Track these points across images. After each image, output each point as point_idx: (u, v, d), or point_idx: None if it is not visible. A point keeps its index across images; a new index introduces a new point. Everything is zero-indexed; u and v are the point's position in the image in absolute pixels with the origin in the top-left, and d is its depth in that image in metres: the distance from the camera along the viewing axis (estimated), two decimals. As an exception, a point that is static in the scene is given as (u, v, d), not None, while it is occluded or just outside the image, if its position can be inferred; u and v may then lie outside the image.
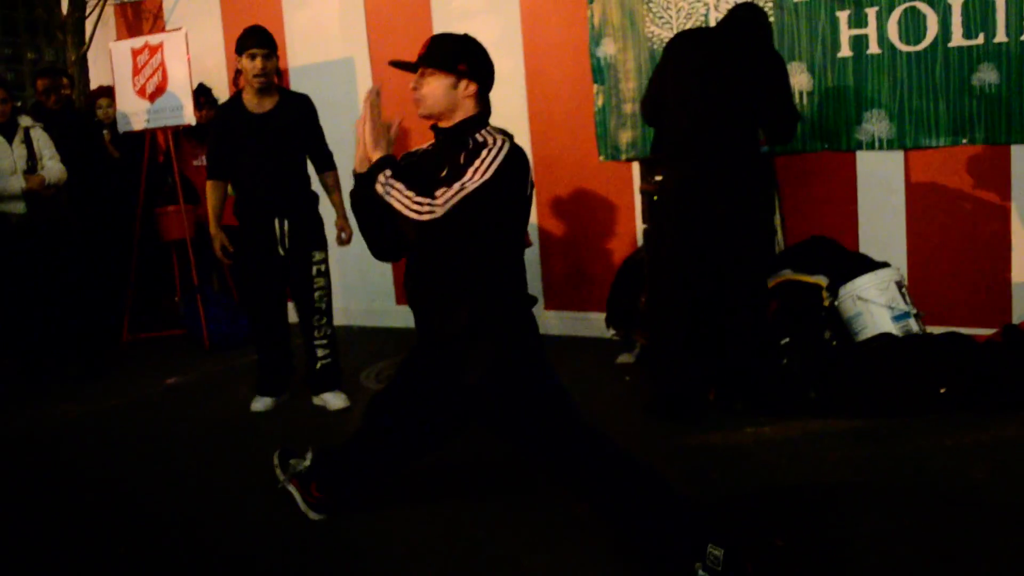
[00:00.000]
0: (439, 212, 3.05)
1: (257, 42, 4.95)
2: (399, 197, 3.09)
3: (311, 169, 5.33)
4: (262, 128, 5.01)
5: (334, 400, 5.31)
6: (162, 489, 4.38)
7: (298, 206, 5.13)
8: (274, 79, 5.09)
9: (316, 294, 5.21)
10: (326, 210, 5.29)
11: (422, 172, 3.27)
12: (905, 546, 3.31)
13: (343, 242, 5.26)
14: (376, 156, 3.17)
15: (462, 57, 3.29)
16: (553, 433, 3.25)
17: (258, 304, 5.28)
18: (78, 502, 4.29)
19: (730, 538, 2.98)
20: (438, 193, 3.06)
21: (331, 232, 5.28)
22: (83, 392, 6.14)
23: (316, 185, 5.33)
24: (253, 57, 4.93)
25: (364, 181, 3.21)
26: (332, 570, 3.46)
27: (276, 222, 5.06)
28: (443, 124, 3.33)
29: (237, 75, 5.04)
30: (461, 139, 3.26)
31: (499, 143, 3.17)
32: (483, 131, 3.28)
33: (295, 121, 5.11)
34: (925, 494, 3.73)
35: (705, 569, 2.88)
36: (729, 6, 5.60)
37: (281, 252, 5.10)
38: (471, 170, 3.09)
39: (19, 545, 3.86)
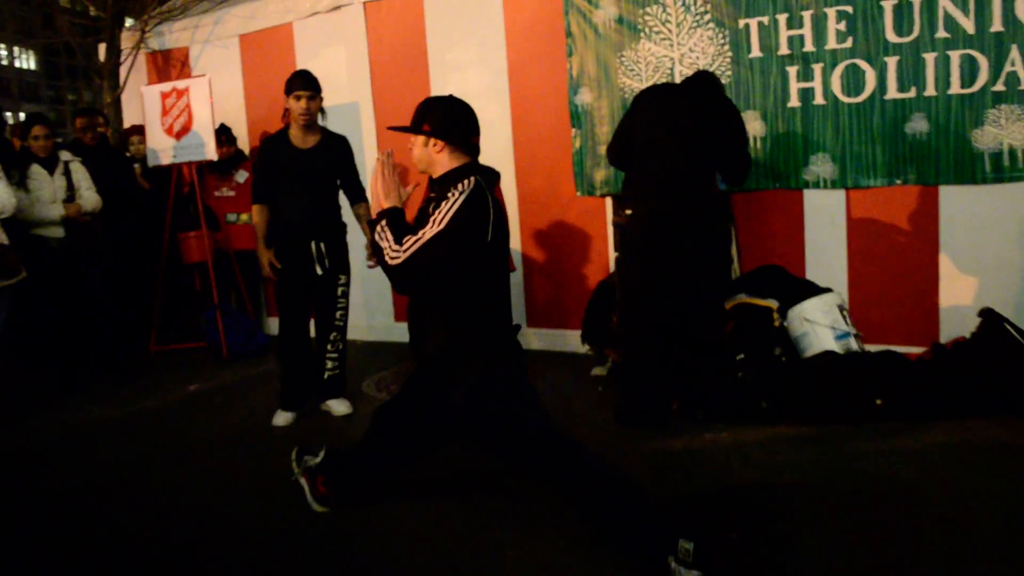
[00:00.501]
0: (401, 258, 3.25)
1: (303, 85, 4.95)
2: (385, 244, 3.30)
3: (342, 199, 5.33)
4: (306, 162, 5.02)
5: (338, 406, 5.32)
6: (184, 483, 4.39)
7: (331, 232, 5.13)
8: (317, 117, 5.07)
9: (338, 313, 5.23)
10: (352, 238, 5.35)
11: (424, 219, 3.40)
12: (844, 538, 3.35)
13: (371, 266, 5.08)
14: (386, 206, 3.36)
15: (424, 119, 3.47)
16: (530, 445, 3.30)
17: (292, 320, 5.22)
18: (109, 494, 4.29)
19: (698, 532, 2.99)
20: (404, 240, 3.26)
21: (361, 253, 5.34)
22: (115, 397, 6.14)
23: (346, 215, 5.34)
24: (299, 98, 4.93)
25: (372, 227, 3.41)
26: (333, 558, 3.47)
27: (313, 244, 5.05)
28: (435, 176, 3.47)
29: (285, 113, 5.03)
30: (447, 189, 3.37)
31: (459, 194, 3.28)
32: (465, 180, 3.35)
33: (334, 157, 5.13)
34: (862, 493, 3.76)
35: (677, 562, 2.89)
36: (692, 61, 5.71)
37: (319, 271, 5.09)
38: (431, 220, 3.25)
39: (56, 533, 3.87)
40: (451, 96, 3.55)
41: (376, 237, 3.32)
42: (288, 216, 5.03)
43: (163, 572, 3.45)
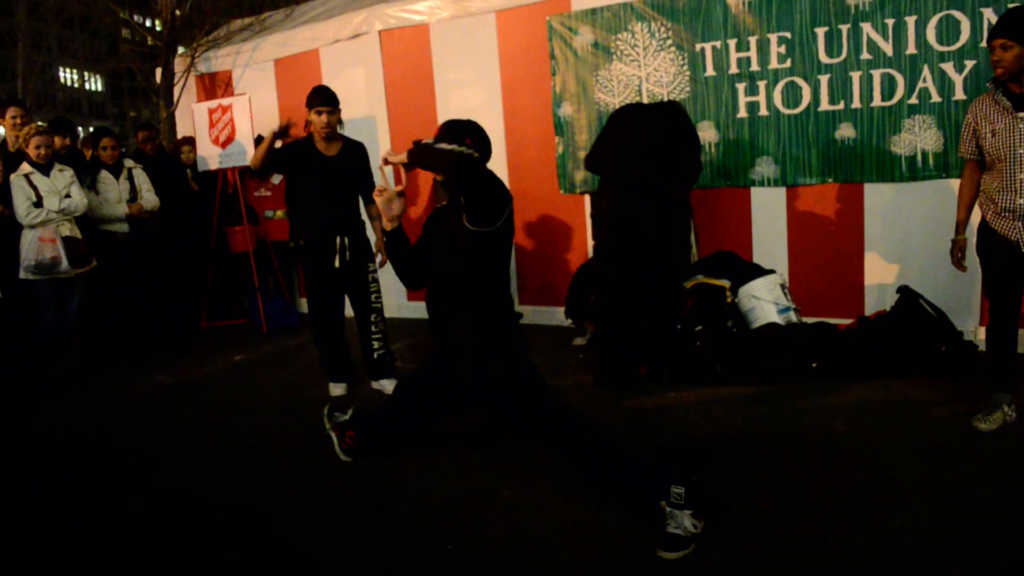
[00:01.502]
0: (476, 154, 3.16)
1: (323, 101, 4.80)
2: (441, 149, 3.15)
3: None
4: (331, 167, 4.87)
5: (390, 385, 5.02)
6: (231, 438, 4.40)
7: (354, 227, 4.97)
8: (336, 128, 4.90)
9: (372, 296, 5.02)
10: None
11: (438, 218, 3.36)
12: (786, 479, 3.37)
13: (382, 263, 5.05)
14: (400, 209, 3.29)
15: (463, 135, 3.32)
16: (533, 412, 3.24)
17: (323, 307, 5.01)
18: (169, 448, 4.30)
19: (687, 477, 2.94)
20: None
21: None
22: (172, 366, 6.12)
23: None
24: (320, 113, 4.78)
25: (396, 235, 3.35)
26: (357, 495, 3.48)
27: (338, 239, 4.87)
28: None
29: (307, 124, 4.91)
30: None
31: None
32: None
33: (354, 162, 4.97)
34: (801, 441, 3.78)
35: (671, 505, 2.82)
36: (657, 79, 5.69)
37: (337, 264, 4.86)
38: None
39: (123, 480, 3.88)
40: (470, 120, 3.46)
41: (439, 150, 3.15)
42: (317, 214, 4.87)
43: (214, 512, 3.45)
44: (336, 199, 4.89)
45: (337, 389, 5.08)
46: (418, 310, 6.05)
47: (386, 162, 3.41)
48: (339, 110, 4.89)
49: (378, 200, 3.37)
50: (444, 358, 3.48)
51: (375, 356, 5.06)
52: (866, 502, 3.10)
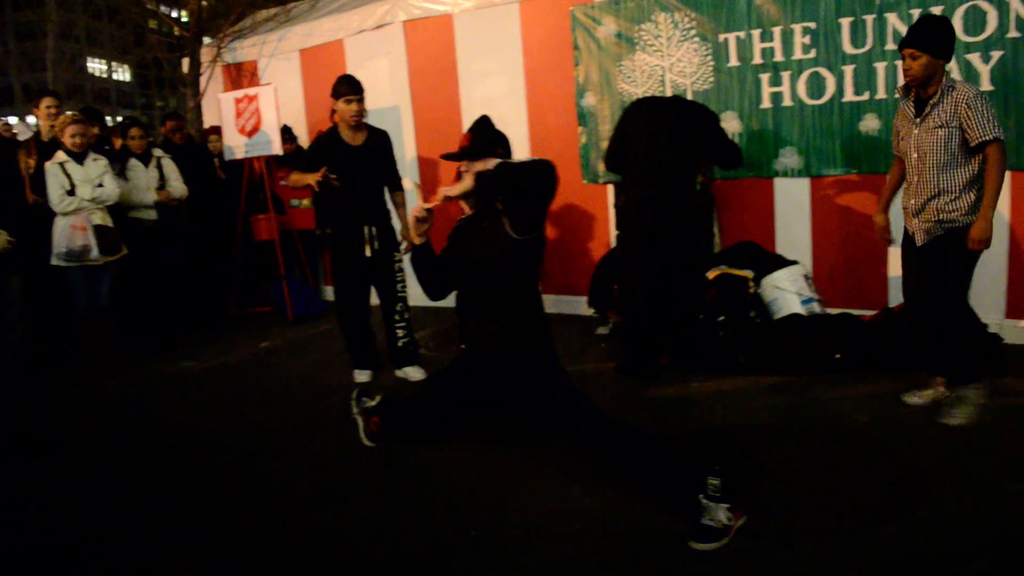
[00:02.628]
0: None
1: (352, 89, 4.76)
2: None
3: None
4: (358, 157, 4.83)
5: (414, 373, 5.05)
6: (256, 422, 4.44)
7: (381, 216, 4.95)
8: (363, 116, 4.89)
9: (398, 285, 5.01)
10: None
11: (470, 225, 3.34)
12: (808, 469, 3.35)
13: (405, 251, 5.03)
14: (469, 182, 3.17)
15: (494, 143, 3.38)
16: (566, 414, 3.21)
17: (350, 296, 5.00)
18: (196, 431, 4.34)
19: (723, 469, 2.90)
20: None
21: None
22: (200, 352, 6.17)
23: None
24: (349, 102, 4.74)
25: (424, 248, 3.37)
26: (381, 479, 3.50)
27: (366, 228, 4.85)
28: None
29: (332, 113, 4.87)
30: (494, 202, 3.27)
31: None
32: None
33: (379, 151, 4.95)
34: (823, 431, 3.76)
35: (707, 497, 2.79)
36: (680, 69, 5.64)
37: (368, 253, 4.86)
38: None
39: (151, 461, 3.91)
40: (490, 124, 3.46)
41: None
42: (344, 204, 4.83)
43: (238, 495, 3.47)
44: (363, 188, 4.86)
45: (362, 376, 5.09)
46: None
47: (414, 185, 3.49)
48: (364, 99, 4.86)
49: (409, 217, 3.36)
50: (475, 358, 3.47)
51: (399, 344, 5.06)
52: (891, 493, 3.07)
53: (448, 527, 3.05)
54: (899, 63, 4.88)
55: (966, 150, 3.57)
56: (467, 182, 3.16)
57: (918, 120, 3.67)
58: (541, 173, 3.14)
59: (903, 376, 4.39)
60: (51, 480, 3.80)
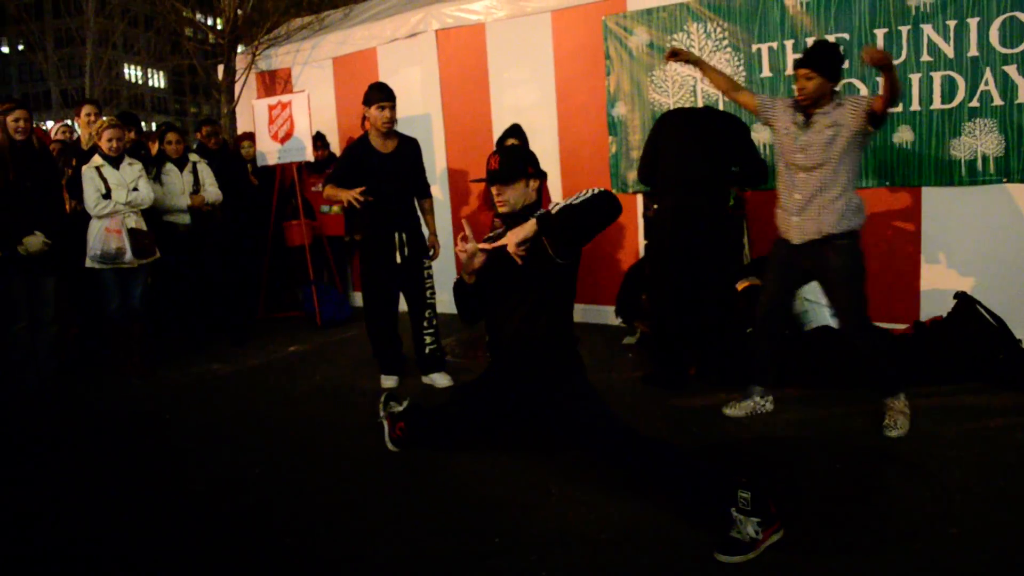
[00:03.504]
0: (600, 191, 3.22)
1: (385, 96, 4.79)
2: (577, 202, 3.17)
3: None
4: (389, 164, 4.87)
5: (440, 379, 5.06)
6: (284, 425, 4.47)
7: (411, 223, 4.98)
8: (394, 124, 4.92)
9: (428, 292, 5.04)
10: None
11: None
12: (836, 485, 3.33)
13: (432, 257, 5.10)
14: (532, 226, 3.18)
15: (526, 162, 3.40)
16: (594, 429, 3.21)
17: (379, 302, 5.04)
18: (225, 434, 4.39)
19: (752, 483, 2.89)
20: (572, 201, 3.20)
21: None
22: (229, 355, 6.26)
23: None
24: (382, 108, 4.77)
25: (465, 286, 3.40)
26: (406, 484, 3.51)
27: (396, 235, 4.89)
28: (517, 209, 3.38)
29: (363, 120, 4.91)
30: (525, 218, 3.31)
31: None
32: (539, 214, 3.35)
33: (409, 158, 4.98)
34: (852, 446, 3.72)
35: (739, 511, 2.77)
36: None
37: (399, 259, 4.89)
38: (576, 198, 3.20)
39: (180, 463, 3.97)
40: (516, 143, 3.51)
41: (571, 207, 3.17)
42: (376, 211, 4.84)
43: (264, 497, 3.51)
44: (393, 195, 4.89)
45: (389, 381, 5.12)
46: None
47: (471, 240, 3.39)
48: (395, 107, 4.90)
49: (461, 254, 3.35)
50: (505, 373, 3.50)
51: (427, 351, 5.09)
52: (919, 510, 3.04)
53: (471, 533, 3.06)
54: (936, 74, 4.90)
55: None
56: (529, 228, 3.16)
57: (803, 129, 3.87)
58: (606, 212, 3.18)
59: (934, 391, 4.36)
60: (77, 479, 3.86)
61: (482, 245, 3.33)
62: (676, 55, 4.12)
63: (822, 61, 3.78)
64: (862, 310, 3.92)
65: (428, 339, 5.08)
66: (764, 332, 4.18)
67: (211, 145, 7.22)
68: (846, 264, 3.88)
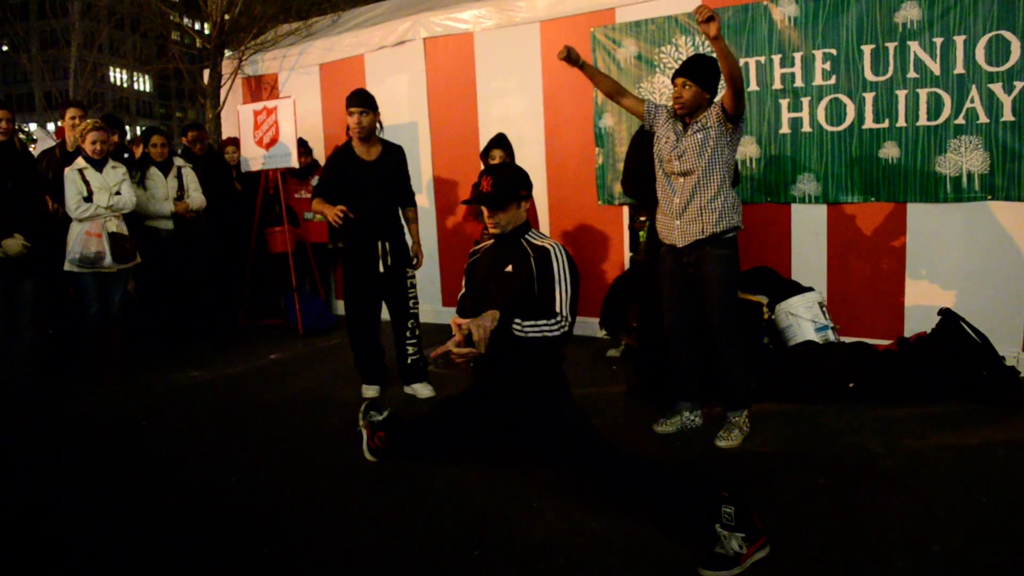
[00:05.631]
0: (566, 321, 3.24)
1: (355, 102, 4.78)
2: (539, 330, 3.19)
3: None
4: (372, 172, 4.85)
5: (423, 390, 5.04)
6: (264, 434, 4.44)
7: (394, 232, 4.95)
8: (375, 129, 4.88)
9: (411, 302, 4.99)
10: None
11: (490, 265, 3.40)
12: (820, 499, 3.32)
13: (415, 266, 5.06)
14: (495, 316, 3.17)
15: (518, 185, 3.43)
16: (576, 448, 3.19)
17: (361, 312, 5.00)
18: (203, 443, 4.35)
19: (736, 497, 2.88)
20: (556, 309, 3.24)
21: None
22: (210, 362, 6.20)
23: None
24: (352, 114, 4.77)
25: (509, 339, 3.22)
26: (383, 496, 3.48)
27: (379, 244, 4.85)
28: (507, 231, 3.43)
29: (348, 128, 4.90)
30: (516, 241, 3.40)
31: (561, 254, 3.32)
32: (530, 234, 3.43)
33: (393, 166, 4.94)
34: (836, 461, 3.72)
35: (723, 527, 2.76)
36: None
37: (381, 268, 4.86)
38: (556, 276, 3.28)
39: (158, 472, 3.92)
40: (508, 162, 3.52)
41: (522, 335, 3.17)
42: (358, 219, 4.79)
43: (239, 509, 3.47)
44: (376, 203, 4.87)
45: (370, 391, 5.09)
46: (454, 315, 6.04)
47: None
48: (376, 113, 4.87)
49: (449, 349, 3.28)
50: (488, 389, 3.48)
51: (409, 361, 5.06)
52: (902, 527, 3.03)
53: (451, 546, 3.03)
54: (922, 91, 4.94)
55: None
56: (489, 324, 3.16)
57: (684, 135, 3.98)
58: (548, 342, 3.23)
59: (917, 407, 4.37)
60: (55, 486, 3.81)
61: (459, 352, 3.25)
62: (569, 53, 4.12)
63: (699, 72, 3.90)
64: (730, 317, 4.01)
65: (411, 349, 5.05)
66: (679, 345, 4.21)
67: (196, 151, 7.18)
68: (723, 272, 3.99)
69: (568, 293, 3.27)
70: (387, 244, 4.90)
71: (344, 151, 4.92)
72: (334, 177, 4.87)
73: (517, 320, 3.18)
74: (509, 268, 3.38)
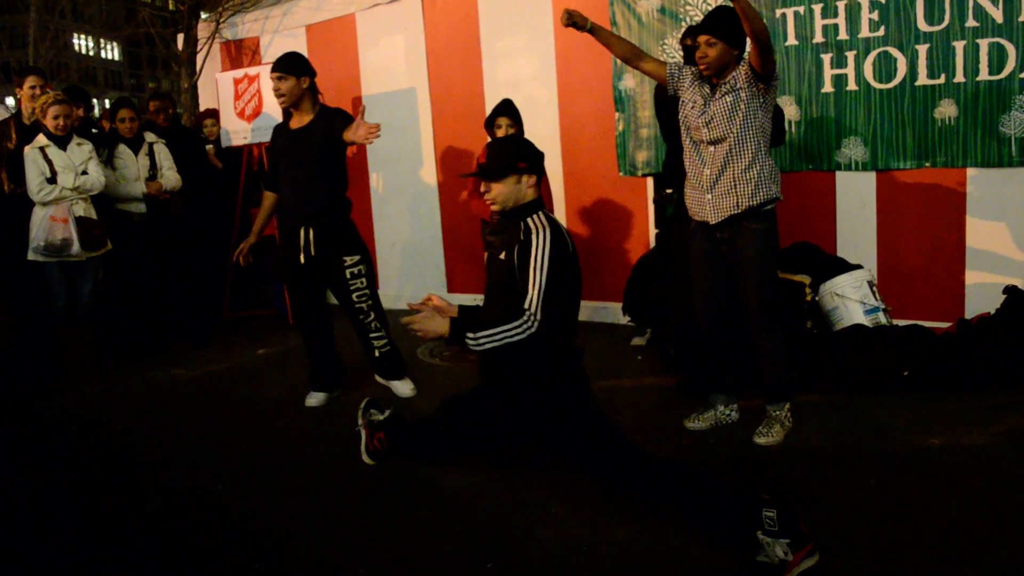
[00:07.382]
0: (535, 318, 3.12)
1: (275, 66, 4.61)
2: (499, 337, 3.12)
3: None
4: (295, 142, 4.64)
5: (401, 387, 4.98)
6: (249, 437, 4.46)
7: (324, 216, 4.66)
8: (303, 96, 4.62)
9: (354, 295, 4.76)
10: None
11: (497, 251, 3.35)
12: (866, 502, 3.31)
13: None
14: (444, 329, 3.16)
15: (516, 157, 3.34)
16: (598, 454, 3.17)
17: (297, 309, 4.90)
18: (180, 448, 4.37)
19: (778, 500, 2.87)
20: (525, 306, 3.12)
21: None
22: (190, 358, 6.23)
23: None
24: (272, 80, 4.63)
25: (455, 341, 3.22)
26: (390, 510, 3.49)
27: (301, 231, 4.65)
28: (508, 208, 3.36)
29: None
30: (517, 222, 3.30)
31: (542, 236, 3.20)
32: (534, 216, 3.30)
33: (323, 135, 4.57)
34: (889, 459, 3.71)
35: (765, 533, 2.74)
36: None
37: (302, 260, 4.66)
38: (531, 264, 3.15)
39: (135, 477, 3.94)
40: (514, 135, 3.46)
41: (478, 348, 3.14)
42: (283, 201, 4.66)
43: (229, 521, 3.49)
44: (299, 181, 4.68)
45: (312, 400, 4.96)
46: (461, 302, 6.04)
47: None
48: (302, 77, 4.62)
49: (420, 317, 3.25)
50: (497, 387, 3.45)
51: (377, 355, 4.96)
52: (964, 530, 3.02)
53: (461, 557, 3.05)
54: (982, 42, 4.89)
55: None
56: (440, 330, 3.17)
57: (712, 99, 3.94)
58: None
59: (980, 397, 4.35)
60: (29, 494, 3.85)
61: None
62: (571, 18, 4.12)
63: (723, 26, 3.85)
64: (769, 300, 4.00)
65: (377, 342, 4.91)
66: (712, 335, 4.21)
67: (160, 122, 7.11)
68: (761, 250, 3.97)
69: (541, 285, 3.12)
70: (311, 231, 4.67)
71: (283, 122, 4.83)
72: (271, 156, 4.74)
73: (469, 334, 3.13)
74: (502, 256, 3.33)
